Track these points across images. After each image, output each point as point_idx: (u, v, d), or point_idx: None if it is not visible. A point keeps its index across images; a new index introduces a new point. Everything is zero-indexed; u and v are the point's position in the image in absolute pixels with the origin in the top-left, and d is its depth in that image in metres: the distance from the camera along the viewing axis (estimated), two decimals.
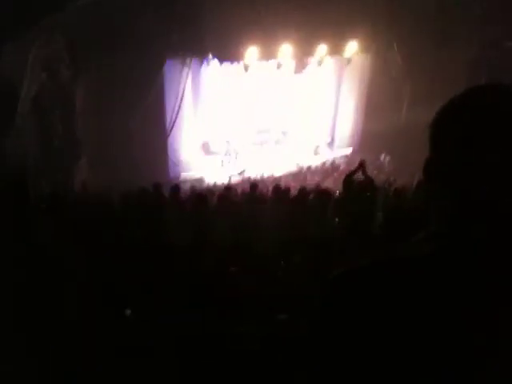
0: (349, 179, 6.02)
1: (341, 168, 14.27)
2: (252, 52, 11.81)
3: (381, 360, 0.78)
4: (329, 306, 0.85)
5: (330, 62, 13.93)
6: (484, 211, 0.75)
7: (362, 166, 6.16)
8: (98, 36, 10.21)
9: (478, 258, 0.77)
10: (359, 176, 6.20)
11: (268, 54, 12.17)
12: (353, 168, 6.50)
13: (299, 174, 14.24)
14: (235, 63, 12.37)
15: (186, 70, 12.27)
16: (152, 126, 12.01)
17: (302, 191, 6.26)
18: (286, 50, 12.11)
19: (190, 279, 2.95)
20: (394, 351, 0.77)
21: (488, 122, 0.74)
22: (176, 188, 5.88)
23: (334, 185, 10.60)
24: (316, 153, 15.47)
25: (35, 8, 7.90)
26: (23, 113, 9.72)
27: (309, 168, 14.60)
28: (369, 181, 6.04)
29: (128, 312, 2.91)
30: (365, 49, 13.06)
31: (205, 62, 12.55)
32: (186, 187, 10.50)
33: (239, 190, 8.78)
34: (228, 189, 6.89)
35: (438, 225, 0.82)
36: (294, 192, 7.41)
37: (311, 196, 6.34)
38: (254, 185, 6.80)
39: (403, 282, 0.80)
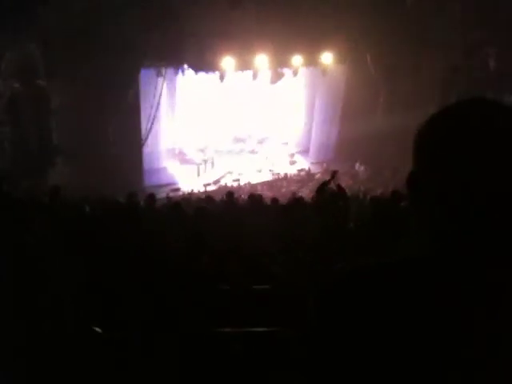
0: (322, 189, 6.07)
1: (316, 177, 14.39)
2: (227, 62, 11.85)
3: (379, 364, 0.78)
4: (320, 309, 0.86)
5: (306, 73, 14.09)
6: (470, 225, 0.75)
7: (334, 176, 6.22)
8: (73, 44, 10.10)
9: (463, 272, 0.77)
10: (332, 186, 6.26)
11: (244, 64, 12.23)
12: (326, 178, 6.57)
13: (275, 183, 14.30)
14: (211, 73, 12.38)
15: (161, 79, 12.23)
16: (127, 135, 11.92)
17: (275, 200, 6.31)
18: (262, 60, 12.20)
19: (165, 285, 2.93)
20: (391, 357, 0.78)
21: (475, 136, 0.74)
22: (151, 197, 5.82)
23: (310, 193, 10.67)
24: (292, 162, 15.58)
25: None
26: None
27: (285, 176, 14.68)
28: (341, 191, 6.10)
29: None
30: (340, 59, 13.26)
31: (180, 72, 12.53)
32: (161, 195, 10.43)
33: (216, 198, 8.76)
34: (231, 194, 6.80)
35: (419, 236, 0.83)
36: (268, 200, 7.44)
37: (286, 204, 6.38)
38: (230, 193, 6.81)
39: (392, 289, 0.80)
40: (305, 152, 15.99)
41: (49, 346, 1.93)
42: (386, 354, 0.78)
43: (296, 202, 6.33)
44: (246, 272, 3.36)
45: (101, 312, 2.53)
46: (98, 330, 2.33)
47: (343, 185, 7.13)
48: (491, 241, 0.76)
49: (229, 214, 5.79)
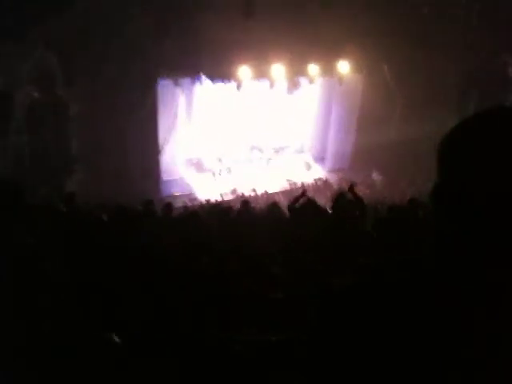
0: (339, 199, 6.04)
1: (333, 186, 14.33)
2: (244, 71, 11.93)
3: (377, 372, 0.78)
4: (325, 318, 0.86)
5: (322, 82, 14.09)
6: (491, 240, 0.74)
7: (352, 187, 6.18)
8: (90, 53, 10.29)
9: (478, 285, 0.76)
10: (349, 196, 6.23)
11: (260, 73, 12.29)
12: (343, 188, 6.55)
13: (292, 192, 14.27)
14: (227, 82, 12.48)
15: (178, 88, 12.36)
16: (145, 144, 12.05)
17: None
18: (278, 69, 12.25)
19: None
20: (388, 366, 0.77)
21: (502, 147, 0.73)
22: (168, 206, 5.85)
23: (327, 203, 10.62)
24: (308, 171, 15.55)
25: (25, 19, 7.95)
26: (16, 127, 9.73)
27: (301, 186, 14.63)
28: (358, 200, 6.06)
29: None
30: (356, 69, 13.25)
31: (197, 81, 12.65)
32: (178, 204, 10.49)
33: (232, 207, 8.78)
34: (246, 203, 6.83)
35: (440, 249, 0.82)
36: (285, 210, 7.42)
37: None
38: (245, 202, 6.82)
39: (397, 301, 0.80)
40: (321, 161, 15.94)
41: (49, 346, 1.94)
42: (388, 359, 0.78)
43: (308, 202, 6.32)
44: (247, 272, 3.35)
45: (104, 313, 2.54)
46: (109, 335, 2.34)
47: (360, 194, 7.09)
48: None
49: (243, 220, 5.80)
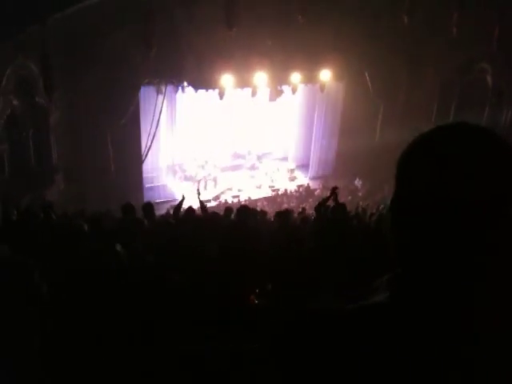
0: (321, 206, 6.05)
1: (316, 193, 14.42)
2: (227, 79, 11.96)
3: None
4: (289, 342, 0.86)
5: (304, 89, 14.21)
6: (449, 259, 0.76)
7: (333, 193, 6.20)
8: (72, 61, 10.21)
9: (435, 307, 0.76)
10: (332, 203, 6.23)
11: (243, 81, 12.34)
12: (326, 195, 6.56)
13: (275, 199, 14.32)
14: (210, 90, 12.49)
15: (160, 96, 12.34)
16: (127, 151, 11.97)
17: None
18: (261, 78, 12.31)
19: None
20: None
21: (457, 163, 0.74)
22: (149, 206, 5.64)
23: (309, 209, 10.68)
24: (291, 177, 15.62)
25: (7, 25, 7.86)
26: None
27: (284, 192, 14.70)
28: (340, 207, 6.07)
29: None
30: (338, 76, 13.39)
31: (179, 89, 12.65)
32: (161, 212, 10.43)
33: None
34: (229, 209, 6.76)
35: (398, 265, 0.82)
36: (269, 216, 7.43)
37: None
38: (228, 208, 6.82)
39: (358, 332, 0.80)
40: (304, 167, 16.05)
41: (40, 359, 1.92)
42: None
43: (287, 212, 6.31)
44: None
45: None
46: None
47: (342, 200, 7.13)
48: (465, 270, 0.75)
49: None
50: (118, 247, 3.09)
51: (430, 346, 0.75)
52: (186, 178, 14.75)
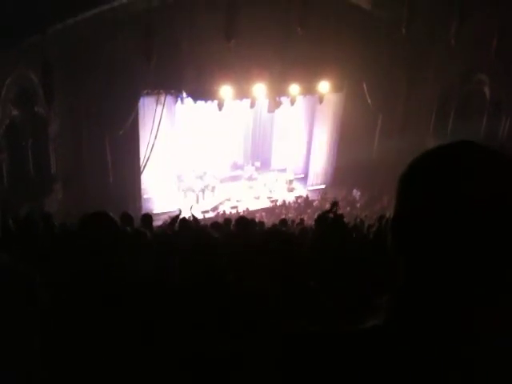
0: (321, 219, 6.01)
1: (314, 204, 14.41)
2: (226, 91, 12.01)
3: None
4: (280, 364, 0.86)
5: (303, 101, 14.27)
6: (446, 283, 0.74)
7: (333, 206, 6.17)
8: (72, 71, 10.26)
9: (428, 335, 0.75)
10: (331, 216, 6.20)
11: (242, 93, 12.40)
12: (326, 206, 6.52)
13: (273, 210, 14.30)
14: (209, 101, 12.54)
15: (160, 106, 12.38)
16: (125, 162, 11.98)
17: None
18: (260, 89, 12.37)
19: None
20: None
21: (459, 182, 0.73)
22: (148, 217, 5.66)
23: (308, 220, 10.66)
24: (290, 188, 15.62)
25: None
26: None
27: (283, 203, 14.69)
28: (339, 219, 6.03)
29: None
30: (336, 88, 13.46)
31: (179, 100, 12.70)
32: (159, 223, 10.41)
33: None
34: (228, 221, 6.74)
35: (394, 287, 0.81)
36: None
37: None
38: (227, 220, 6.80)
39: (348, 357, 0.78)
40: (303, 179, 16.06)
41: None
42: None
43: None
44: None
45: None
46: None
47: (341, 211, 7.11)
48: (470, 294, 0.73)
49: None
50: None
51: (432, 374, 0.74)
52: (185, 189, 14.74)
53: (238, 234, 5.04)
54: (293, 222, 10.10)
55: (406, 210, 0.79)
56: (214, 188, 14.88)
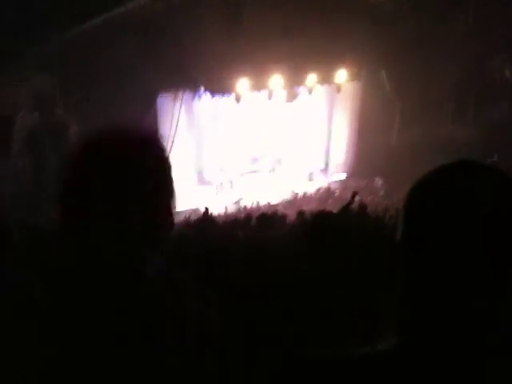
0: (344, 212, 5.95)
1: (336, 194, 14.31)
2: (243, 83, 11.99)
3: None
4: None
5: (321, 90, 14.14)
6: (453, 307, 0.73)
7: (354, 197, 6.11)
8: (89, 72, 10.36)
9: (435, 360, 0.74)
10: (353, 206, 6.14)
11: (259, 84, 12.36)
12: (348, 196, 6.46)
13: (294, 202, 14.25)
14: (227, 95, 12.54)
15: (178, 103, 12.42)
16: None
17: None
18: (277, 80, 12.30)
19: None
20: None
21: (462, 203, 0.73)
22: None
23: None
24: (310, 179, 15.53)
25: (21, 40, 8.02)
26: (16, 152, 9.74)
27: (304, 195, 14.63)
28: (362, 210, 5.98)
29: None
30: (354, 76, 13.30)
31: (197, 95, 12.72)
32: (180, 217, 10.48)
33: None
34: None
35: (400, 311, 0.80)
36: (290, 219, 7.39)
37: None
38: (248, 215, 6.80)
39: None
40: (323, 169, 15.95)
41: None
42: None
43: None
44: None
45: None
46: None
47: (363, 200, 7.05)
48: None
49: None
50: None
51: None
52: (205, 183, 14.79)
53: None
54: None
55: (414, 232, 0.79)
56: (234, 182, 14.89)
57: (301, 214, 7.18)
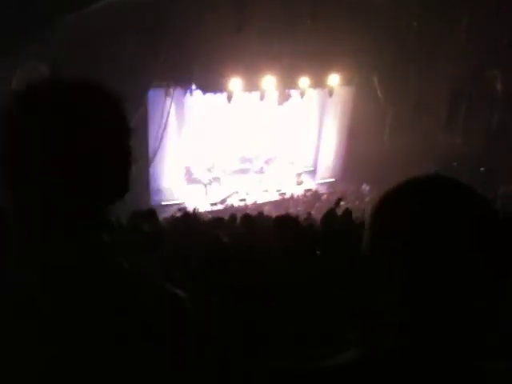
0: (328, 218, 5.97)
1: (323, 197, 14.35)
2: (235, 83, 11.96)
3: None
4: None
5: (313, 94, 14.17)
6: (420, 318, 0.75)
7: (339, 203, 6.14)
8: (81, 65, 10.24)
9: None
10: (339, 210, 6.16)
11: (251, 85, 12.33)
12: (333, 200, 6.49)
13: (282, 203, 14.27)
14: (218, 93, 12.49)
15: (168, 99, 12.35)
16: (134, 154, 11.97)
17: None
18: (269, 81, 12.29)
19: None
20: None
21: (423, 217, 0.74)
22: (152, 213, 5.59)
23: (316, 215, 10.61)
24: (298, 182, 15.57)
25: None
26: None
27: (291, 197, 14.65)
28: (346, 215, 6.00)
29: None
30: (347, 81, 13.34)
31: (188, 92, 12.65)
32: (167, 215, 10.43)
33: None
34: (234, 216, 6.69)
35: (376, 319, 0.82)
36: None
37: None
38: (233, 215, 6.78)
39: None
40: (312, 172, 15.99)
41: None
42: None
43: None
44: None
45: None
46: None
47: (349, 205, 7.08)
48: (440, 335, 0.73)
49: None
50: None
51: None
52: (193, 181, 14.75)
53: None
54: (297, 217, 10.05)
55: (379, 243, 0.80)
56: (222, 181, 14.87)
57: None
